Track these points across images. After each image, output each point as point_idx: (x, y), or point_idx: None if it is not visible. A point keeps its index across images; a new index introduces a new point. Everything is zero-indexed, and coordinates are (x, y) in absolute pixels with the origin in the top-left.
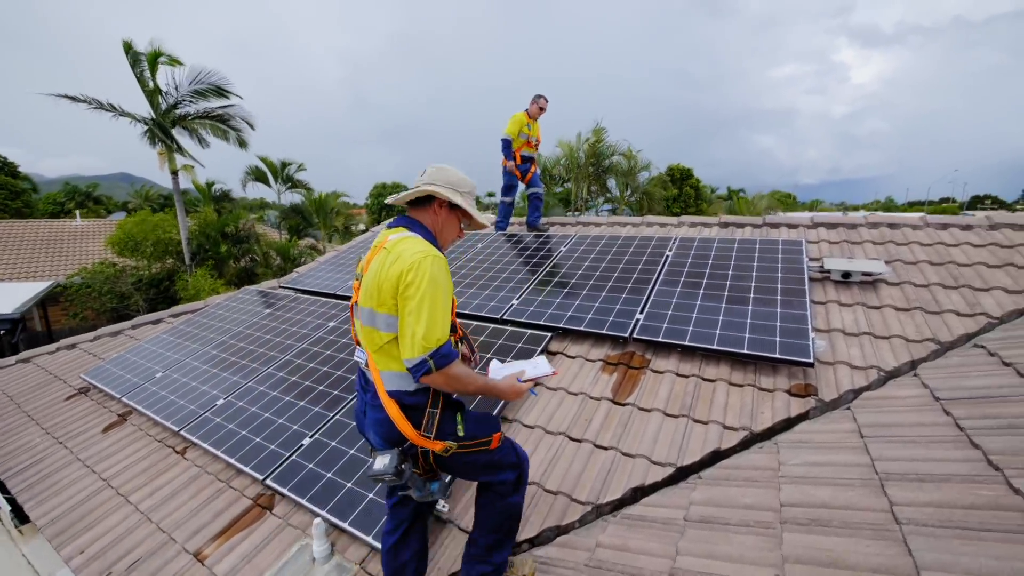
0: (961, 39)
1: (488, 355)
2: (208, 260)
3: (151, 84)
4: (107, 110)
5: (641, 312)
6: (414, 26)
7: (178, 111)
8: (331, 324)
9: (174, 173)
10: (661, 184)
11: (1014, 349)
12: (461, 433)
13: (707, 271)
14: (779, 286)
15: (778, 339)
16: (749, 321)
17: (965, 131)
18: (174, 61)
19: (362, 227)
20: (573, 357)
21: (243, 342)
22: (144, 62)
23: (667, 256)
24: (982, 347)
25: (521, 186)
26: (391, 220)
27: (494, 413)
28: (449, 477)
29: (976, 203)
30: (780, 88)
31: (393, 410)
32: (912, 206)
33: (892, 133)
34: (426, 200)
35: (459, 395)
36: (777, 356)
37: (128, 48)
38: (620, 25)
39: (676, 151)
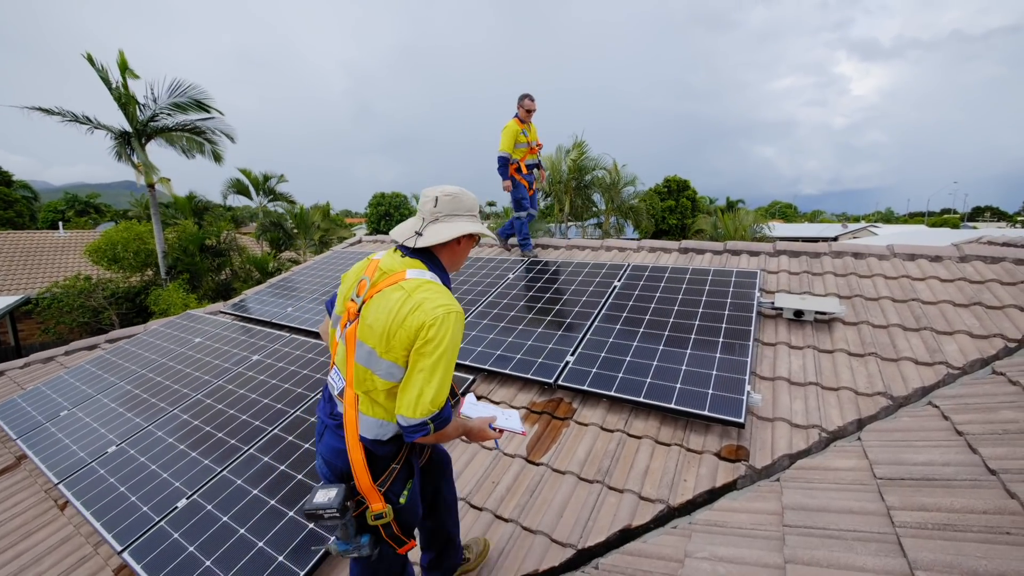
0: (959, 52)
1: None
2: (184, 274)
3: (124, 97)
4: (82, 123)
5: (573, 354)
6: (419, 40)
7: (155, 123)
8: (255, 357)
9: (151, 186)
10: (649, 197)
11: (969, 413)
12: (402, 502)
13: (652, 305)
14: (724, 325)
15: (711, 391)
16: (684, 368)
17: (965, 143)
18: (132, 75)
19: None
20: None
21: (162, 375)
22: (116, 74)
23: (614, 287)
24: (936, 407)
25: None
26: (403, 249)
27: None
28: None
29: (977, 214)
30: (780, 100)
31: (357, 456)
32: (913, 217)
33: (892, 144)
34: None
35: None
36: (706, 413)
37: (91, 61)
38: (621, 39)
39: (677, 161)
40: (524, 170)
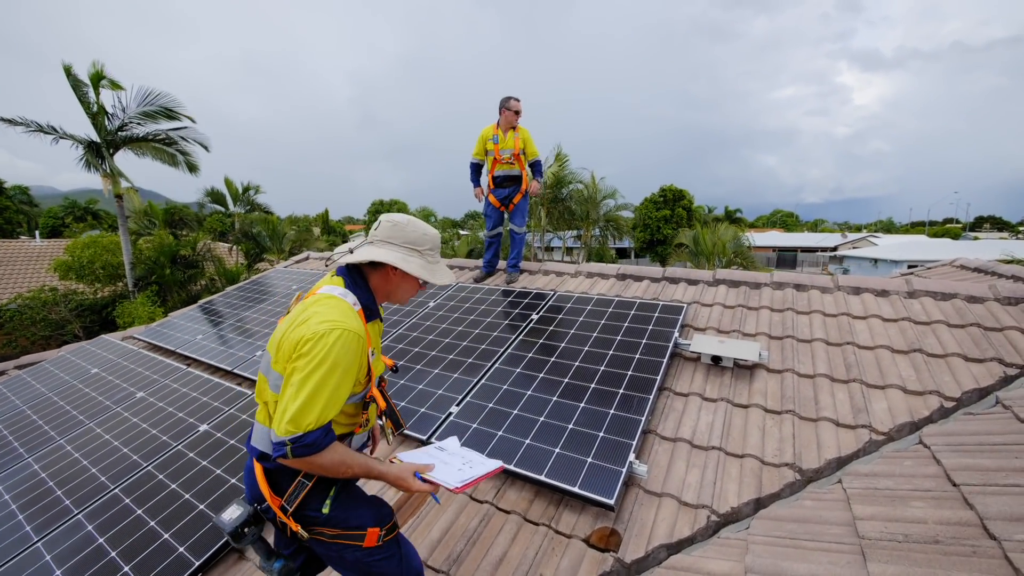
0: (961, 63)
1: None
2: (152, 285)
3: (94, 107)
4: (47, 133)
5: (459, 403)
6: (424, 50)
7: (124, 133)
8: (140, 395)
9: (118, 196)
10: (645, 207)
11: (876, 505)
12: (326, 511)
13: (562, 344)
14: (629, 373)
15: (590, 460)
16: (571, 427)
17: (967, 152)
18: (115, 85)
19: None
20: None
21: (40, 413)
22: (88, 85)
23: (532, 319)
24: (843, 488)
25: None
26: (339, 268)
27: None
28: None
29: (981, 223)
30: (782, 109)
31: (257, 471)
32: (914, 227)
33: (894, 154)
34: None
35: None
36: (575, 490)
37: (68, 72)
38: (623, 50)
39: (679, 170)
40: (491, 184)
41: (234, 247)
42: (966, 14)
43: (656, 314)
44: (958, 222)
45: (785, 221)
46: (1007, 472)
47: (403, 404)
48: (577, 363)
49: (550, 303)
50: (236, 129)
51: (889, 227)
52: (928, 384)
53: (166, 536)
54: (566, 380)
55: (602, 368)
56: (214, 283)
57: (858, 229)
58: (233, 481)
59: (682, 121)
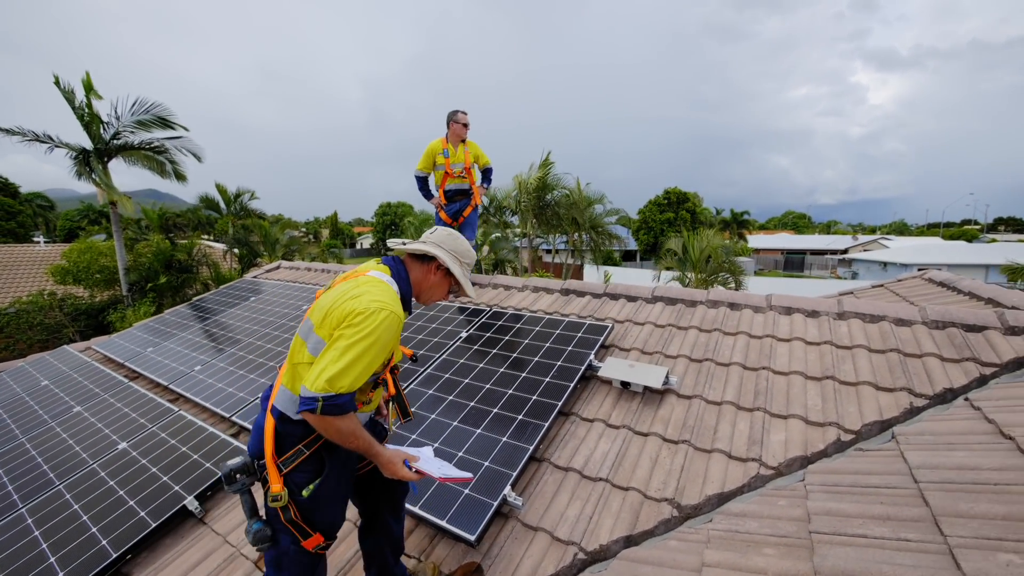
0: (979, 61)
1: None
2: (150, 292)
3: (87, 116)
4: (43, 142)
5: None
6: (434, 52)
7: (118, 141)
8: (76, 409)
9: (112, 203)
10: (648, 210)
11: (727, 551)
12: (305, 494)
13: (480, 365)
14: (534, 397)
15: (466, 492)
16: (460, 454)
17: (985, 152)
18: (97, 95)
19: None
20: None
21: None
22: (82, 94)
23: (460, 337)
24: (709, 529)
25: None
26: (384, 257)
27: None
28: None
29: (999, 224)
30: (795, 109)
31: (268, 425)
32: (930, 228)
33: (910, 154)
34: (426, 257)
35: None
36: (443, 524)
37: (57, 82)
38: (633, 51)
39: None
40: (443, 199)
41: (227, 252)
42: (985, 12)
43: (579, 334)
44: (976, 223)
45: (796, 223)
46: (863, 520)
47: None
48: (488, 385)
49: (482, 320)
50: (251, 134)
51: (903, 229)
52: (831, 415)
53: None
54: (471, 404)
55: (510, 391)
56: (208, 287)
57: (872, 231)
58: (132, 503)
59: (693, 122)
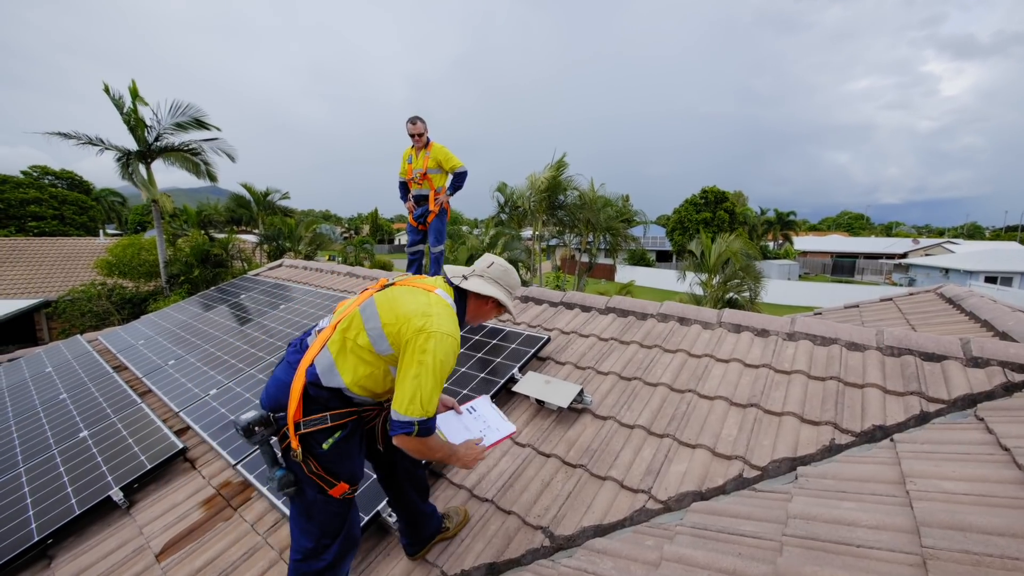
0: None
1: None
2: (184, 284)
3: (132, 120)
4: (95, 144)
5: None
6: (477, 51)
7: (160, 143)
8: (63, 396)
9: (154, 202)
10: (684, 209)
11: None
12: (326, 447)
13: None
14: None
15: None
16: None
17: None
18: (142, 101)
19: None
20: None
21: None
22: (127, 101)
23: None
24: (564, 565)
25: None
26: (446, 274)
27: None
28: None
29: None
30: (856, 103)
31: (298, 383)
32: (1008, 232)
33: (988, 150)
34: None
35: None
36: None
37: (107, 89)
38: (679, 45)
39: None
40: (412, 206)
41: (256, 247)
42: None
43: (513, 345)
44: None
45: (851, 224)
46: (709, 572)
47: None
48: None
49: None
50: (302, 132)
51: (975, 232)
52: (740, 448)
53: None
54: None
55: None
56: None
57: (940, 233)
58: (69, 490)
59: (742, 118)
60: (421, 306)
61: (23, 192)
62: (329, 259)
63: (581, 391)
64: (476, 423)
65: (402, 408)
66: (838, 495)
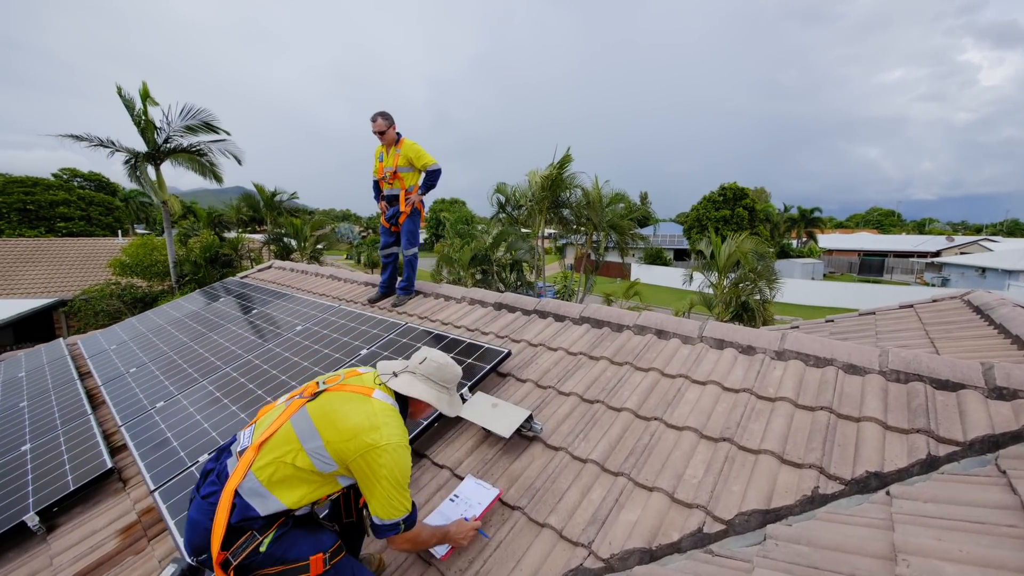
0: None
1: None
2: (191, 284)
3: (143, 122)
4: (106, 147)
5: (211, 452)
6: (495, 50)
7: (169, 145)
8: (23, 404)
9: (164, 202)
10: (703, 206)
11: None
12: (262, 549)
13: None
14: None
15: None
16: None
17: None
18: (153, 102)
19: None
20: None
21: None
22: (138, 103)
23: (360, 354)
24: None
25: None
26: (380, 372)
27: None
28: None
29: None
30: (887, 95)
31: (222, 513)
32: None
33: None
34: None
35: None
36: None
37: (120, 91)
38: (703, 39)
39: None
40: (384, 206)
41: (264, 246)
42: None
43: (470, 360)
44: None
45: (881, 221)
46: None
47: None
48: None
49: (390, 337)
50: (325, 133)
51: (1014, 228)
52: (704, 494)
53: None
54: None
55: None
56: None
57: (977, 231)
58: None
59: (766, 113)
60: (365, 418)
61: (52, 194)
62: (347, 258)
63: (530, 417)
64: (458, 508)
65: (383, 514)
66: (808, 572)
